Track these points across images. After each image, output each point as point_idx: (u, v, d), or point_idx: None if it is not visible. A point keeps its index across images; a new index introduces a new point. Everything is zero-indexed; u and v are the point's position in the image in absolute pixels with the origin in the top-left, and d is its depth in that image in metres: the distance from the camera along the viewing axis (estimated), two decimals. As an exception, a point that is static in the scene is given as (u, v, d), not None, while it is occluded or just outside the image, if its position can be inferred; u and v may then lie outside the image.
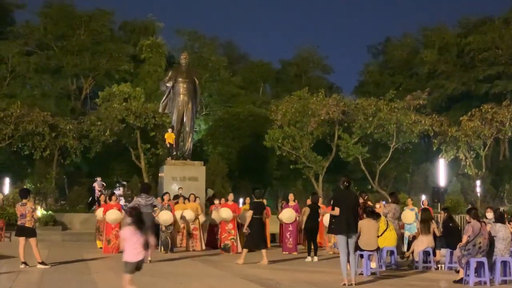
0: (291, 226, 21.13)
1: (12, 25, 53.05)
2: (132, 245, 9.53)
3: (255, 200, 17.75)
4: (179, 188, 25.41)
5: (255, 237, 17.28)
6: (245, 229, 17.37)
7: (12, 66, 48.79)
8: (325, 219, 19.72)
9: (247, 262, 17.16)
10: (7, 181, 38.30)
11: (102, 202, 22.20)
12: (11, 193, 33.21)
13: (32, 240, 15.38)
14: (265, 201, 21.67)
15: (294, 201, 21.86)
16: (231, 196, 22.00)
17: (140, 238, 9.53)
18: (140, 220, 9.63)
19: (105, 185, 35.44)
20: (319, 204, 20.37)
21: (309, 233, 18.89)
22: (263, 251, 17.30)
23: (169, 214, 20.51)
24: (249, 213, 17.52)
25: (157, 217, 18.58)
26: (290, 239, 21.13)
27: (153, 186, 31.08)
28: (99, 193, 33.49)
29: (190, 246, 21.58)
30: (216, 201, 22.94)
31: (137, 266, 9.60)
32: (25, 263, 15.30)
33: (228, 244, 20.80)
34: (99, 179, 35.04)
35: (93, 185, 35.28)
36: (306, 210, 19.73)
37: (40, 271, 14.63)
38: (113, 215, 20.31)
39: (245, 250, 17.34)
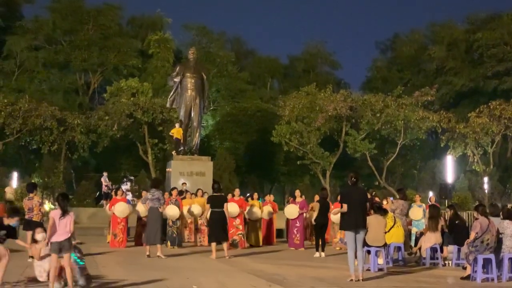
0: (298, 221, 21.12)
1: (21, 19, 53.11)
2: (56, 227, 10.62)
3: (214, 193, 17.75)
4: (182, 184, 25.40)
5: (214, 230, 17.38)
6: (202, 222, 17.35)
7: (21, 61, 48.97)
8: (334, 217, 19.76)
9: (254, 257, 17.18)
10: (15, 175, 38.45)
11: (114, 197, 22.24)
12: (19, 187, 33.34)
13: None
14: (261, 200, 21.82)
15: (301, 197, 21.85)
16: (237, 191, 21.97)
17: (63, 221, 10.63)
18: (62, 204, 10.82)
19: (107, 180, 35.44)
20: (328, 199, 20.42)
21: (318, 228, 18.88)
22: (224, 244, 17.34)
23: (175, 209, 20.54)
24: (207, 207, 17.56)
25: (163, 212, 18.52)
26: (298, 235, 21.13)
27: (151, 180, 31.16)
28: (106, 187, 33.59)
29: (198, 241, 21.61)
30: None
31: (61, 246, 10.56)
32: (32, 257, 15.33)
33: (236, 240, 20.81)
34: (105, 174, 35.13)
35: (101, 179, 35.42)
36: (315, 206, 19.72)
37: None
38: (121, 207, 20.35)
39: (213, 244, 17.35)
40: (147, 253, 16.97)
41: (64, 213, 10.77)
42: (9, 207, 13.97)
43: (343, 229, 13.58)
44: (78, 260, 10.75)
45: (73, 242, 11.16)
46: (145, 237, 17.73)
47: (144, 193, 22.62)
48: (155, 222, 17.36)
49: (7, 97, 35.27)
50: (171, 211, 20.32)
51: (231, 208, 20.62)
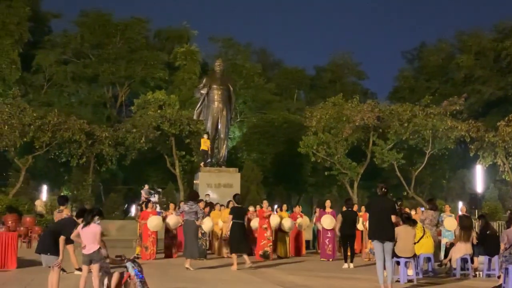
0: (330, 232, 21.03)
1: (49, 34, 53.83)
2: (83, 240, 10.98)
3: (236, 205, 17.74)
4: (206, 195, 25.42)
5: (235, 241, 17.38)
6: (225, 234, 17.24)
7: (50, 75, 49.57)
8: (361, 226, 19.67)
9: (283, 268, 17.15)
10: (44, 188, 38.79)
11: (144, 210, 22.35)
12: (49, 200, 33.62)
13: (70, 247, 15.50)
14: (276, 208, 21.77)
15: (330, 207, 21.80)
16: (265, 203, 21.97)
17: (86, 230, 10.98)
18: (85, 218, 11.24)
19: (152, 192, 35.39)
20: (355, 210, 20.32)
21: (345, 239, 18.80)
22: (245, 255, 17.36)
23: (211, 222, 20.72)
24: (229, 218, 17.54)
25: (201, 225, 18.53)
26: (329, 246, 21.04)
27: (188, 193, 31.27)
28: (146, 199, 33.74)
29: (225, 252, 21.63)
30: (251, 208, 22.90)
31: (91, 258, 10.94)
32: (62, 269, 15.44)
33: (268, 251, 20.86)
34: (146, 186, 35.14)
35: (141, 191, 35.44)
36: (339, 217, 19.65)
37: (77, 278, 14.74)
38: (154, 221, 20.43)
39: (233, 256, 17.35)
40: (186, 265, 16.94)
41: (86, 224, 11.07)
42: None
43: (370, 239, 13.51)
44: (139, 274, 10.85)
45: (104, 253, 11.28)
46: (184, 250, 17.83)
47: (172, 205, 22.74)
48: (193, 236, 17.44)
49: (36, 111, 35.60)
50: (207, 223, 20.47)
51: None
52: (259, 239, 20.95)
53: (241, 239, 17.56)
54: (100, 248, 11.04)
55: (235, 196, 18.53)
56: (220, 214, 22.02)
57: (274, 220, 21.27)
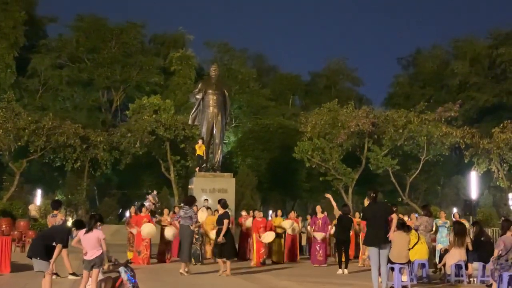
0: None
1: (45, 38, 53.69)
2: (85, 246, 11.13)
3: (224, 210, 17.59)
4: (204, 200, 25.41)
5: (229, 246, 17.23)
6: (220, 239, 17.01)
7: (45, 79, 49.42)
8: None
9: (277, 274, 17.13)
10: (39, 192, 38.71)
11: (133, 214, 22.27)
12: (43, 204, 33.56)
13: (63, 251, 15.46)
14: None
15: (322, 213, 21.78)
16: (258, 214, 21.91)
17: (87, 236, 11.13)
18: (81, 226, 11.60)
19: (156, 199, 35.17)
20: (350, 216, 20.33)
21: (340, 245, 18.78)
22: (229, 262, 17.17)
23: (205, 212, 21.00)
24: (226, 222, 17.08)
25: (194, 228, 18.38)
26: (320, 251, 21.03)
27: (182, 198, 31.21)
28: (153, 205, 33.49)
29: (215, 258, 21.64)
30: (244, 213, 22.91)
31: (93, 263, 11.07)
32: (56, 273, 15.40)
33: (265, 259, 20.98)
34: (154, 192, 34.97)
35: (147, 196, 35.22)
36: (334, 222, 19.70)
37: (71, 282, 14.72)
38: (147, 228, 20.35)
39: (228, 261, 17.09)
40: (181, 271, 16.89)
41: (89, 230, 11.15)
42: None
43: (366, 245, 13.52)
44: (132, 279, 10.85)
45: (107, 264, 11.33)
46: (180, 255, 17.80)
47: (166, 210, 22.72)
48: (188, 240, 17.43)
49: (31, 115, 35.58)
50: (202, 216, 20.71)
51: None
52: (258, 247, 20.88)
53: (234, 244, 17.60)
54: (103, 253, 11.10)
55: (220, 200, 18.23)
56: (213, 219, 21.96)
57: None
